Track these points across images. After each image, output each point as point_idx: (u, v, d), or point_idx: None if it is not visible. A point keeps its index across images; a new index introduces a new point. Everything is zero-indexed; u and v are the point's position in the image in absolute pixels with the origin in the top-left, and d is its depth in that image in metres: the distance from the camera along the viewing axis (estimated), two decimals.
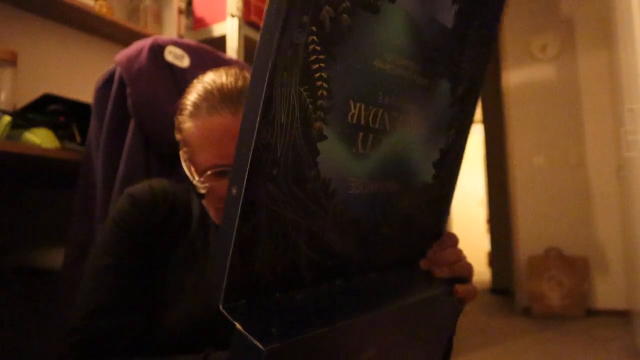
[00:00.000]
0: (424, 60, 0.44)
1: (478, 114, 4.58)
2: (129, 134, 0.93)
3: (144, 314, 0.61)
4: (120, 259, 0.62)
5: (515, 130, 3.63)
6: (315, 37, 0.33)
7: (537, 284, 3.29)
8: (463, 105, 0.52)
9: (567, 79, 3.48)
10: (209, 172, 0.61)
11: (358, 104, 0.39)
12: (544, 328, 2.92)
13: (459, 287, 0.55)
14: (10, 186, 1.38)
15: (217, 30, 1.68)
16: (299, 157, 0.35)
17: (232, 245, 0.31)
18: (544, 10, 3.57)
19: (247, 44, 1.63)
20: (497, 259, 4.34)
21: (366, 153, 0.41)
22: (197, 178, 0.63)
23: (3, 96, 1.15)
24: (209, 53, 1.07)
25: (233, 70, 0.65)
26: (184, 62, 1.01)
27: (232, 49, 1.58)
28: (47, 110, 1.06)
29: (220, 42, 1.64)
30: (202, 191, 0.62)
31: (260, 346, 0.29)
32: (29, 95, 1.18)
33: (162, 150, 0.95)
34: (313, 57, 0.33)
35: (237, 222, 0.31)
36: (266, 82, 0.30)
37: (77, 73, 1.62)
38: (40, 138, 0.99)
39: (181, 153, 0.67)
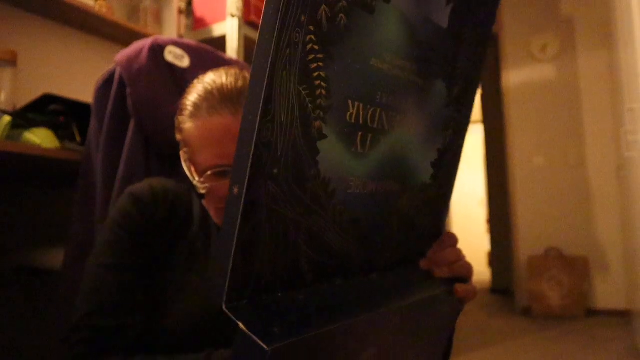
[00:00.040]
0: (419, 61, 0.44)
1: (478, 114, 4.59)
2: (129, 134, 0.93)
3: (144, 313, 0.61)
4: (121, 258, 0.62)
5: (515, 130, 3.63)
6: (313, 37, 0.33)
7: (537, 284, 3.29)
8: (459, 105, 0.53)
9: (567, 79, 3.48)
10: (209, 173, 0.61)
11: (356, 104, 0.39)
12: (544, 328, 2.92)
13: (459, 287, 0.55)
14: (10, 186, 1.38)
15: (217, 30, 1.68)
16: (299, 156, 0.35)
17: (234, 245, 0.32)
18: (544, 10, 3.58)
19: (247, 44, 1.63)
20: (497, 259, 4.34)
21: (365, 152, 0.42)
22: (197, 178, 0.63)
23: (3, 96, 1.16)
24: (209, 53, 1.07)
25: (233, 71, 0.65)
26: (184, 62, 1.01)
27: (232, 49, 1.58)
28: (47, 110, 1.06)
29: (220, 42, 1.64)
30: (202, 191, 0.63)
31: (264, 346, 0.29)
32: (29, 95, 1.18)
33: (162, 150, 0.95)
34: (311, 57, 0.34)
35: (239, 222, 0.31)
36: (266, 81, 0.31)
37: (77, 73, 1.62)
38: (40, 138, 0.99)
39: (181, 153, 0.67)
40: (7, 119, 0.97)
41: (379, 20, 0.38)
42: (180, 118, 0.65)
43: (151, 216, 0.65)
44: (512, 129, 3.64)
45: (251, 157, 0.31)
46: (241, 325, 0.31)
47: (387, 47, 0.40)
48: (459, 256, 0.56)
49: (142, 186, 0.68)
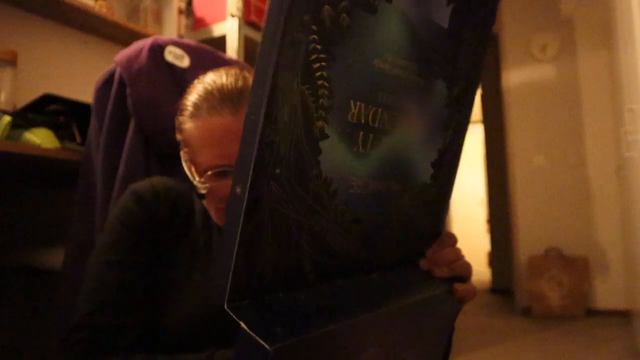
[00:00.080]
0: (420, 60, 0.44)
1: (478, 114, 4.59)
2: (129, 134, 0.93)
3: (145, 313, 0.61)
4: (123, 255, 0.62)
5: (515, 130, 3.63)
6: (315, 36, 0.33)
7: (537, 284, 3.29)
8: (459, 105, 0.53)
9: (567, 79, 3.48)
10: (209, 173, 0.61)
11: (358, 103, 0.39)
12: (544, 328, 2.92)
13: (459, 287, 0.55)
14: (10, 186, 1.38)
15: (217, 30, 1.69)
16: (302, 156, 0.35)
17: (236, 245, 0.32)
18: (544, 10, 3.58)
19: (247, 44, 1.64)
20: (497, 259, 4.35)
21: (366, 152, 0.42)
22: (197, 178, 0.63)
23: (3, 96, 1.16)
24: (209, 53, 1.07)
25: (233, 71, 0.65)
26: (184, 62, 1.01)
27: (232, 49, 1.58)
28: (47, 110, 1.06)
29: (220, 42, 1.64)
30: (203, 191, 0.63)
31: (266, 346, 0.29)
32: (29, 95, 1.18)
33: (162, 150, 0.95)
34: (314, 57, 0.34)
35: (241, 222, 0.31)
36: (269, 81, 0.31)
37: (77, 73, 1.62)
38: (40, 138, 0.99)
39: (182, 153, 0.67)
40: (7, 119, 0.97)
41: (380, 20, 0.38)
42: (181, 118, 0.65)
43: (153, 214, 0.65)
44: (512, 129, 3.64)
45: (254, 157, 0.31)
46: (243, 325, 0.31)
47: (389, 46, 0.40)
48: (458, 255, 0.56)
49: (144, 184, 0.68)
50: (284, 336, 0.31)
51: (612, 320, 3.02)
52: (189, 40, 1.07)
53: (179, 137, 0.67)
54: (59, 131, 1.05)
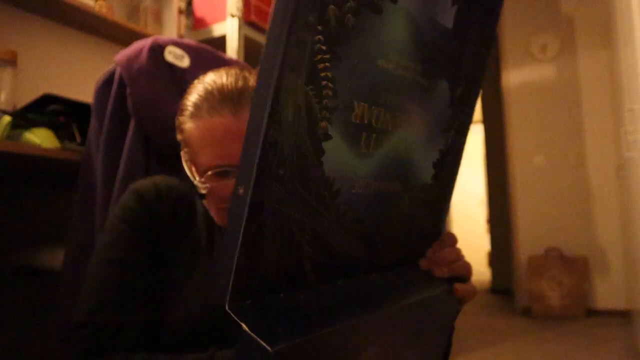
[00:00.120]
0: (424, 61, 0.44)
1: (478, 114, 4.59)
2: (129, 134, 0.93)
3: (146, 312, 0.61)
4: (125, 253, 0.62)
5: (515, 130, 3.63)
6: (321, 37, 0.33)
7: (537, 284, 3.29)
8: (462, 106, 0.53)
9: (567, 79, 3.48)
10: (209, 173, 0.61)
11: (362, 104, 0.39)
12: (544, 328, 2.92)
13: (459, 287, 0.55)
14: (10, 186, 1.38)
15: (217, 30, 1.68)
16: (305, 157, 0.35)
17: (238, 245, 0.31)
18: (544, 10, 3.58)
19: (247, 44, 1.63)
20: (497, 259, 4.35)
21: (369, 152, 0.41)
22: (198, 178, 0.63)
23: (3, 96, 1.16)
24: (209, 53, 1.07)
25: (233, 71, 0.65)
26: (184, 62, 1.01)
27: (232, 49, 1.58)
28: (47, 110, 1.05)
29: (220, 42, 1.64)
30: (203, 191, 0.63)
31: (267, 347, 0.29)
32: (29, 95, 1.18)
33: (162, 150, 0.95)
34: (319, 57, 0.33)
35: (244, 222, 0.31)
36: (274, 81, 0.30)
37: (77, 73, 1.62)
38: (40, 138, 0.99)
39: (182, 153, 0.67)
40: (7, 119, 0.97)
41: (386, 20, 0.38)
42: (181, 118, 0.65)
43: (155, 212, 0.65)
44: (512, 129, 3.64)
45: (258, 157, 0.31)
46: (244, 325, 0.31)
47: (394, 47, 0.40)
48: (458, 255, 0.56)
49: (146, 183, 0.68)
50: (285, 337, 0.31)
51: (612, 320, 3.02)
52: (189, 40, 1.07)
53: (179, 137, 0.67)
54: (59, 131, 1.05)
